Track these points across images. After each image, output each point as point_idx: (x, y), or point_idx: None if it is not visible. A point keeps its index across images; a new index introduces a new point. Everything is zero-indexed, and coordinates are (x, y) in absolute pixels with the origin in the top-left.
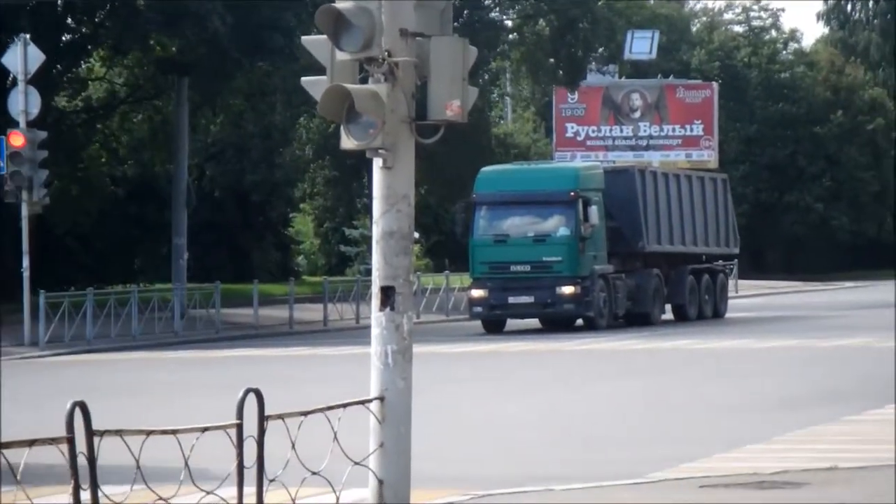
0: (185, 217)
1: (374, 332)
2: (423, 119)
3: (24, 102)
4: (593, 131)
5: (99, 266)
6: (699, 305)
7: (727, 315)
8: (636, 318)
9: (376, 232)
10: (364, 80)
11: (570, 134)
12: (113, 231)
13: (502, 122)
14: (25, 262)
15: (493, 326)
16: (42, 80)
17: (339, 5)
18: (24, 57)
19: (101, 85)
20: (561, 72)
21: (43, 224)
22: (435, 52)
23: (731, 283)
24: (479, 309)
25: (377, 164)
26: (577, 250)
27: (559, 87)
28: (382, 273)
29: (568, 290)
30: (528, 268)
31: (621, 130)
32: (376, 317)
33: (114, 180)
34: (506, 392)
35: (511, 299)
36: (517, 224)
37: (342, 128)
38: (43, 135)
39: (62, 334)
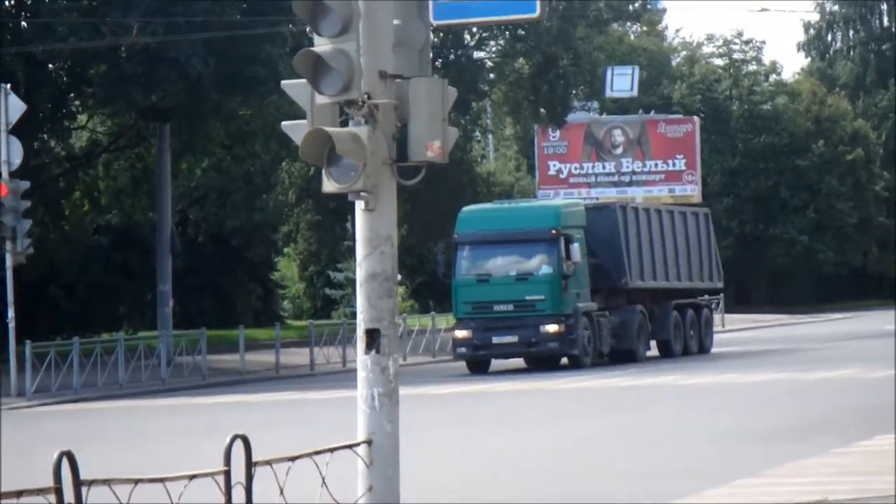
0: (170, 263)
1: (360, 375)
2: (405, 160)
3: (5, 153)
4: (576, 168)
5: (83, 314)
6: (684, 341)
7: (713, 350)
8: (621, 355)
9: (360, 274)
10: (344, 123)
11: (552, 171)
12: (97, 279)
13: (484, 160)
14: (10, 313)
15: (478, 366)
16: (23, 130)
17: (317, 49)
18: (4, 106)
19: (83, 134)
20: (543, 110)
21: (25, 273)
22: (414, 93)
23: (716, 317)
24: (462, 349)
25: (359, 206)
26: (560, 288)
27: (541, 125)
28: (367, 315)
29: (552, 328)
30: (510, 307)
31: (604, 167)
32: (362, 360)
33: (97, 229)
34: (494, 431)
35: (495, 339)
36: (499, 263)
37: (323, 171)
38: (26, 185)
39: (49, 384)
